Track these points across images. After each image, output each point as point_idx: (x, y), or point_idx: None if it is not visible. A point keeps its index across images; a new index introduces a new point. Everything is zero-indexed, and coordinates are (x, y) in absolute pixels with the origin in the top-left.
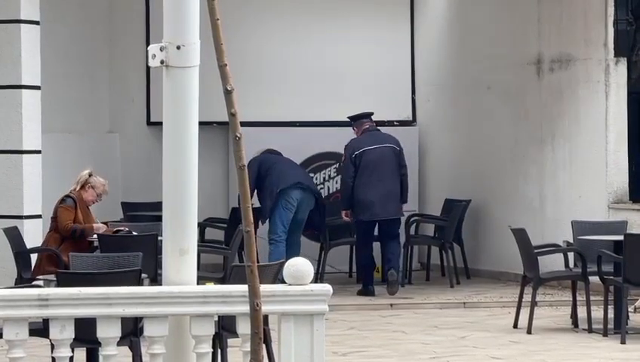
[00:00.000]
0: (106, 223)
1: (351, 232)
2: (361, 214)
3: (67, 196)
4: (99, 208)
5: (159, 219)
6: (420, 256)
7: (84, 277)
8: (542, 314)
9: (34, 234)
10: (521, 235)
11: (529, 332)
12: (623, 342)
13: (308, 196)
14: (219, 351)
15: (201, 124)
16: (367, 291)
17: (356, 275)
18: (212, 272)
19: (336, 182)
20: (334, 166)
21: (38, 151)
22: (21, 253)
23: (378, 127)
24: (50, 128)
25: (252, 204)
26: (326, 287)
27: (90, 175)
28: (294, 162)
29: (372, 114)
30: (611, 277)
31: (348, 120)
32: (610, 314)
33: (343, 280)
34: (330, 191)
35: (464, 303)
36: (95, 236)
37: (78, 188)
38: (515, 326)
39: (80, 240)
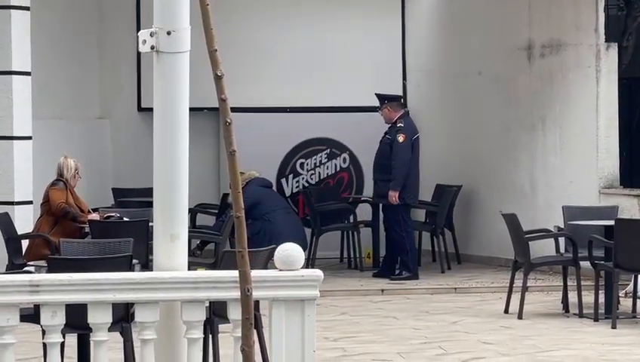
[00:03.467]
0: (96, 209)
1: (342, 218)
2: (411, 198)
3: (57, 180)
4: (90, 194)
5: (150, 204)
6: None
7: (75, 263)
8: (533, 299)
9: (25, 220)
10: (512, 220)
11: (520, 317)
12: (613, 327)
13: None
14: (210, 336)
15: (191, 109)
16: (415, 275)
17: (400, 261)
18: (203, 258)
19: (327, 168)
20: (325, 152)
21: (29, 138)
22: (12, 239)
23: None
24: (40, 114)
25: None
26: (317, 273)
27: (65, 157)
28: (289, 210)
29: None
30: (602, 262)
31: (377, 96)
32: (601, 299)
33: (334, 266)
34: (321, 177)
35: (455, 288)
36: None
37: (66, 175)
38: (506, 311)
39: (72, 224)
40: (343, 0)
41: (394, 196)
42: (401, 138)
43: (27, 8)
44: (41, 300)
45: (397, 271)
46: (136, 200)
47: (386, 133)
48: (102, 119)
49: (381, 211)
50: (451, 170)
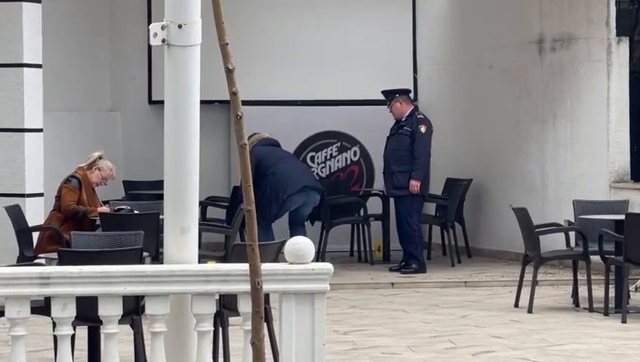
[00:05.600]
0: (107, 202)
1: (352, 211)
2: (427, 190)
3: (72, 176)
4: (101, 186)
5: (161, 197)
6: None
7: (86, 255)
8: (543, 293)
9: (36, 213)
10: (522, 214)
11: (530, 311)
12: (623, 321)
13: (313, 195)
14: (220, 329)
15: (202, 102)
16: (424, 267)
17: (407, 255)
18: (213, 251)
19: (338, 161)
20: (336, 145)
21: (40, 130)
22: (23, 231)
23: None
24: (51, 107)
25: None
26: (327, 266)
27: (100, 157)
28: (295, 159)
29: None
30: (612, 256)
31: (385, 93)
32: (611, 294)
33: (344, 259)
34: (332, 171)
35: (465, 282)
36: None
37: (85, 168)
38: (516, 305)
39: (82, 219)
40: None
41: (416, 185)
42: (423, 128)
43: (38, 1)
44: (51, 292)
45: (403, 263)
46: (147, 192)
47: (401, 125)
48: (113, 112)
49: (393, 204)
50: (462, 163)
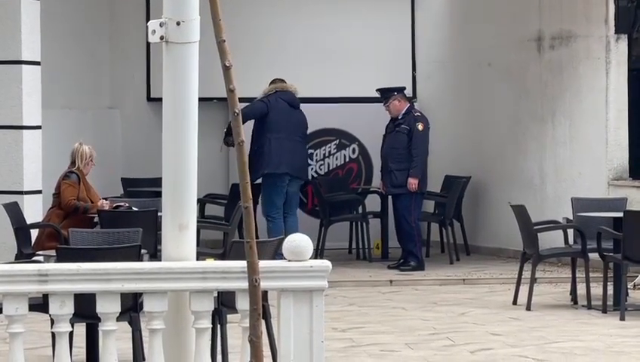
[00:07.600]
0: (105, 199)
1: (351, 208)
2: (425, 187)
3: (71, 172)
4: (99, 184)
5: (159, 194)
6: None
7: (84, 252)
8: (541, 290)
9: (34, 210)
10: (520, 212)
11: (528, 308)
12: (622, 319)
13: (293, 181)
14: (218, 326)
15: (201, 99)
16: (422, 265)
17: (405, 252)
18: (212, 248)
19: (336, 158)
20: (334, 142)
21: (39, 127)
22: (21, 229)
23: None
24: (50, 104)
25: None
26: (325, 263)
27: (80, 144)
28: (293, 137)
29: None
30: (611, 254)
31: (381, 91)
32: (610, 291)
33: (342, 257)
34: (331, 168)
35: (464, 280)
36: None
37: (79, 164)
38: (515, 302)
39: (82, 216)
40: None
41: (414, 183)
42: (420, 126)
43: None
44: (49, 290)
45: (402, 261)
46: (146, 190)
47: (398, 123)
48: (112, 109)
49: (391, 202)
50: (460, 161)
